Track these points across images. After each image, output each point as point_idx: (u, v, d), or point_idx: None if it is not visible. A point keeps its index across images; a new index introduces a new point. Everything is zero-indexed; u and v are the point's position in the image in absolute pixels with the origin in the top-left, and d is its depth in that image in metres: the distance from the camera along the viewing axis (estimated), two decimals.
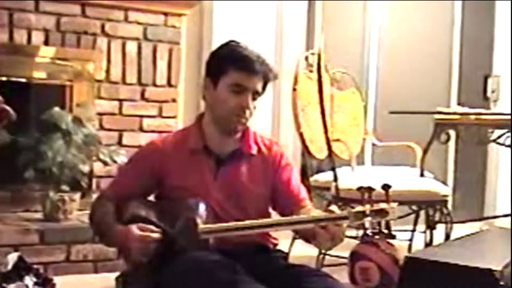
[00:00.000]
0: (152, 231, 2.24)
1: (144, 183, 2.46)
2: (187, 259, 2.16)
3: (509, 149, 4.02)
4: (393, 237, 2.35)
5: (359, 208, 2.11)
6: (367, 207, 2.10)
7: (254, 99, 2.39)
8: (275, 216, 2.51)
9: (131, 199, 2.41)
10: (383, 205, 2.10)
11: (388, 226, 2.22)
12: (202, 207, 2.29)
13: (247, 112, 2.39)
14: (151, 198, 2.54)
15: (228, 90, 2.37)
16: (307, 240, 2.32)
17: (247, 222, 2.23)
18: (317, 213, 2.32)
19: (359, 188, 2.14)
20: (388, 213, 2.09)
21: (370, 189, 2.12)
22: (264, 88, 2.42)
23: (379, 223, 2.14)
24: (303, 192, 2.53)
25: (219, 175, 2.43)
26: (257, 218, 2.33)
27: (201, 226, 2.21)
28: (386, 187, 2.14)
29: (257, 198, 2.46)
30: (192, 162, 2.43)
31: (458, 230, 3.75)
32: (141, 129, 4.26)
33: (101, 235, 2.45)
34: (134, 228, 2.24)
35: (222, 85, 2.38)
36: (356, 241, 3.05)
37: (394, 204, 2.10)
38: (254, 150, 2.49)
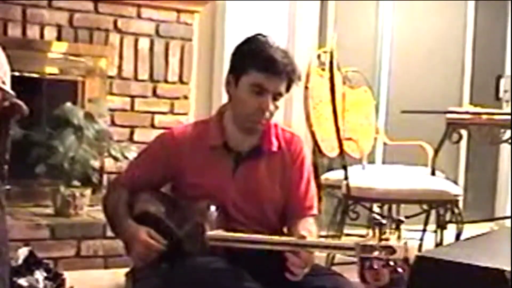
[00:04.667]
0: (159, 241, 2.22)
1: (158, 175, 2.43)
2: (193, 266, 2.13)
3: None
4: (401, 222, 2.29)
5: (367, 240, 2.05)
6: (376, 242, 2.03)
7: (275, 99, 2.31)
8: None
9: (144, 189, 2.39)
10: (392, 242, 2.03)
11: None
12: (213, 211, 2.27)
13: (267, 113, 2.32)
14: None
15: (249, 90, 2.30)
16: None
17: (253, 236, 2.18)
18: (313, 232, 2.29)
19: (372, 222, 2.10)
20: (396, 252, 2.02)
21: (381, 224, 2.07)
22: (288, 89, 2.34)
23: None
24: (309, 200, 2.45)
25: (237, 174, 2.38)
26: (275, 218, 2.32)
27: (209, 233, 2.18)
28: (398, 222, 2.11)
29: (276, 197, 2.41)
30: (210, 159, 2.38)
31: (469, 230, 3.73)
32: (152, 126, 4.26)
33: (112, 225, 2.44)
34: (143, 232, 2.23)
35: (243, 83, 2.31)
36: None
37: (403, 242, 2.05)
38: (274, 147, 2.42)
